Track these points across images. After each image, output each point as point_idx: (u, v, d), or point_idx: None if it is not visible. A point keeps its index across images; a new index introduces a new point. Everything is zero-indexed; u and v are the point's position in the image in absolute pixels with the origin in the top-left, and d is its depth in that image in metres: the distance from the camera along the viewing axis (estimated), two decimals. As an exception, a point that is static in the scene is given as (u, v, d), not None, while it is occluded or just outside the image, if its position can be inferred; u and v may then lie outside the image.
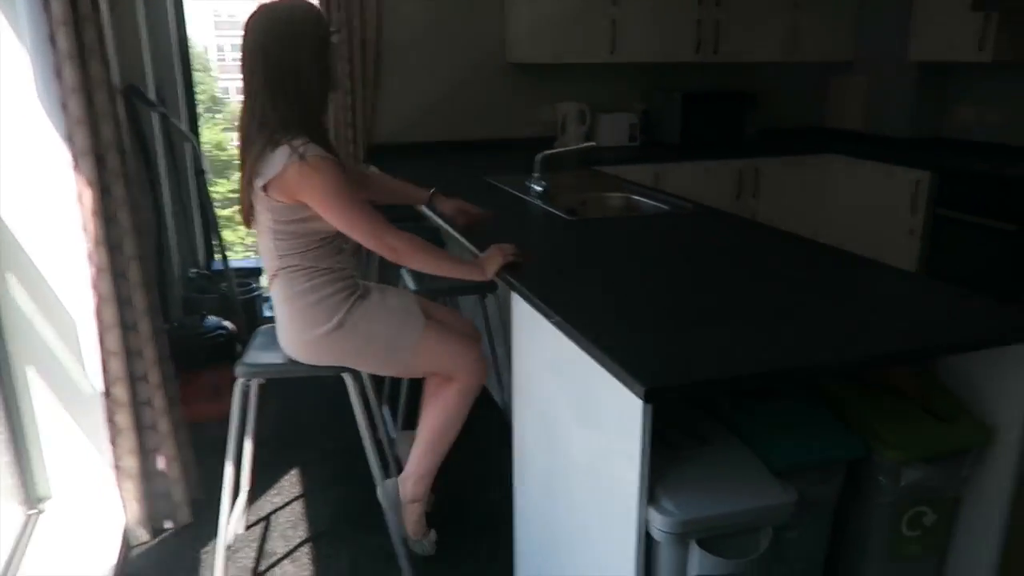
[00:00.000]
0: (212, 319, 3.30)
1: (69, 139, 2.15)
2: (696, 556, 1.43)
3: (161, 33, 3.76)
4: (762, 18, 4.45)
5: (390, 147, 4.18)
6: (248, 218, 1.98)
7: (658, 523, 1.41)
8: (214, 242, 3.99)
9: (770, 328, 1.59)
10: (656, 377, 1.34)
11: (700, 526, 1.42)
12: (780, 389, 1.82)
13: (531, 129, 4.48)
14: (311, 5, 1.95)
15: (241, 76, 1.91)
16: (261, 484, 2.70)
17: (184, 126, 3.91)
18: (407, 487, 2.25)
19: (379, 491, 2.19)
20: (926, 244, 3.94)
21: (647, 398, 1.31)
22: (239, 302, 3.60)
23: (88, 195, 2.16)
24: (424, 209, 2.53)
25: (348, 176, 1.91)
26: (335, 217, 1.88)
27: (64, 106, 2.13)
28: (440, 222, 2.56)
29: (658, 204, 2.90)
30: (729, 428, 1.68)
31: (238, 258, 4.99)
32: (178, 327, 3.22)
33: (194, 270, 3.93)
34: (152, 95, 3.60)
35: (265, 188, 1.86)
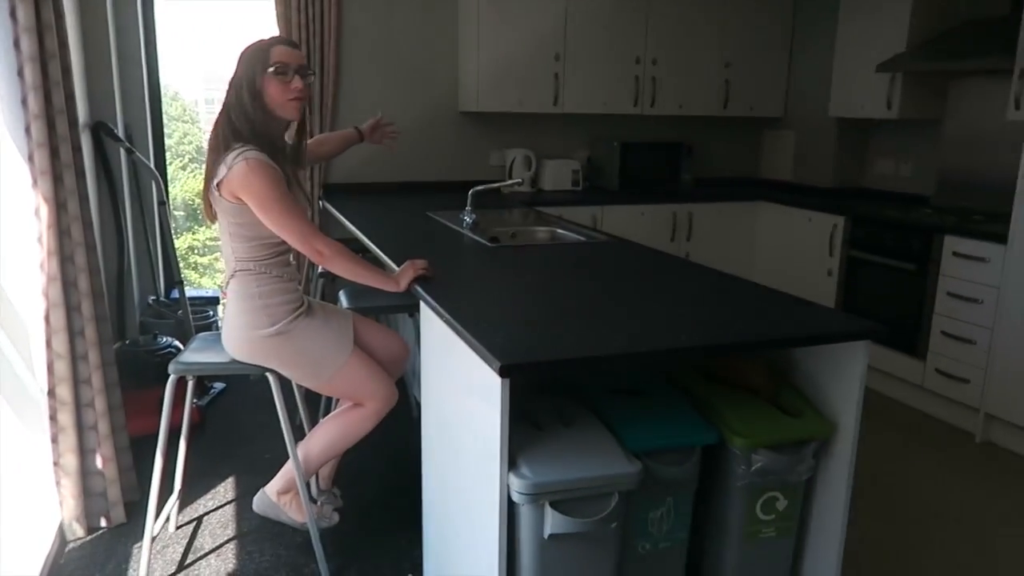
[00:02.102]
0: (164, 339, 3.49)
1: (30, 159, 2.38)
2: (550, 516, 1.64)
3: (134, 78, 4.04)
4: (696, 76, 4.81)
5: (344, 186, 4.45)
6: (210, 215, 2.24)
7: (516, 486, 1.62)
8: (174, 272, 4.19)
9: (628, 324, 1.83)
10: (510, 355, 1.56)
11: (553, 489, 1.63)
12: (650, 386, 2.05)
13: (480, 173, 4.77)
14: (268, 39, 2.22)
15: None
16: (197, 490, 2.88)
17: (151, 162, 4.16)
18: (275, 483, 2.46)
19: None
20: (841, 283, 4.22)
21: (502, 373, 1.54)
22: (192, 328, 3.79)
23: (45, 210, 2.39)
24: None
25: (283, 183, 2.13)
26: (268, 218, 2.11)
27: (28, 130, 2.37)
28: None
29: (578, 237, 3.16)
30: (596, 415, 1.90)
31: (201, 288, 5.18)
32: (130, 344, 3.42)
33: (153, 297, 4.13)
34: (121, 132, 3.87)
35: (219, 187, 2.11)
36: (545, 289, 2.23)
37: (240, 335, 2.25)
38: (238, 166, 2.08)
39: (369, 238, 2.97)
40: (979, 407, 3.46)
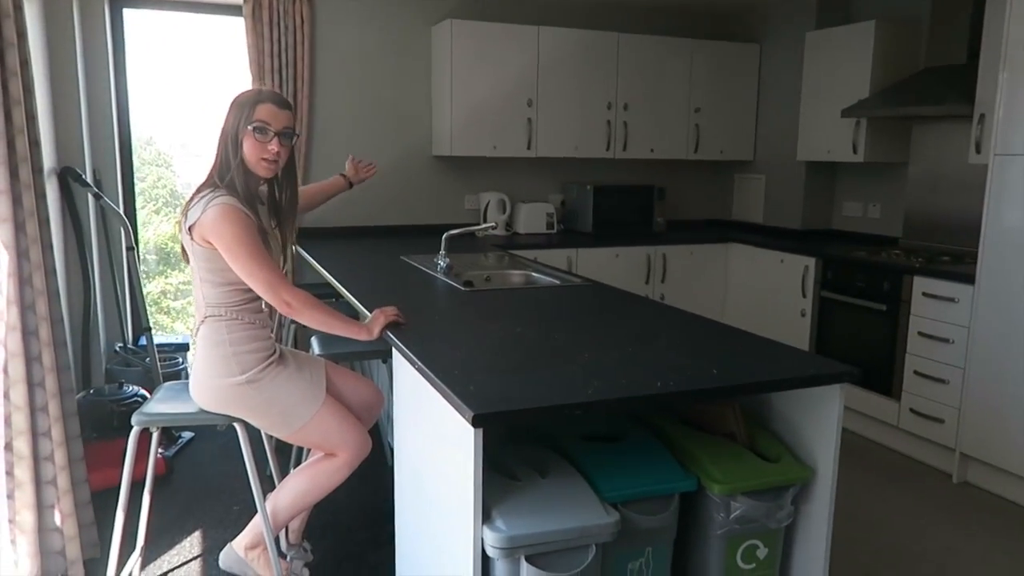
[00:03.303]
0: (131, 388, 3.40)
1: (-9, 207, 2.33)
2: (526, 571, 1.59)
3: (104, 123, 4.01)
4: (666, 121, 4.89)
5: (317, 231, 4.42)
6: (185, 257, 2.21)
7: (490, 540, 1.57)
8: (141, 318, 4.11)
9: (602, 369, 1.80)
10: (483, 404, 1.53)
11: (528, 543, 1.58)
12: (625, 431, 2.02)
13: (455, 217, 4.77)
14: (252, 90, 2.22)
15: None
16: (161, 545, 2.77)
17: (120, 207, 4.10)
18: (242, 538, 2.37)
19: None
20: (815, 323, 4.25)
21: (475, 423, 1.50)
22: (160, 375, 3.70)
23: (6, 258, 2.33)
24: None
25: (254, 231, 2.10)
26: (236, 264, 2.08)
27: (-11, 177, 2.32)
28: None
29: (553, 280, 3.15)
30: (572, 463, 1.87)
31: (173, 333, 5.08)
32: (95, 393, 3.32)
33: (120, 344, 4.04)
34: (89, 178, 3.82)
35: (191, 230, 2.08)
36: (519, 334, 2.20)
37: (208, 383, 2.19)
38: (211, 211, 2.06)
39: (342, 283, 2.94)
40: (955, 447, 3.46)
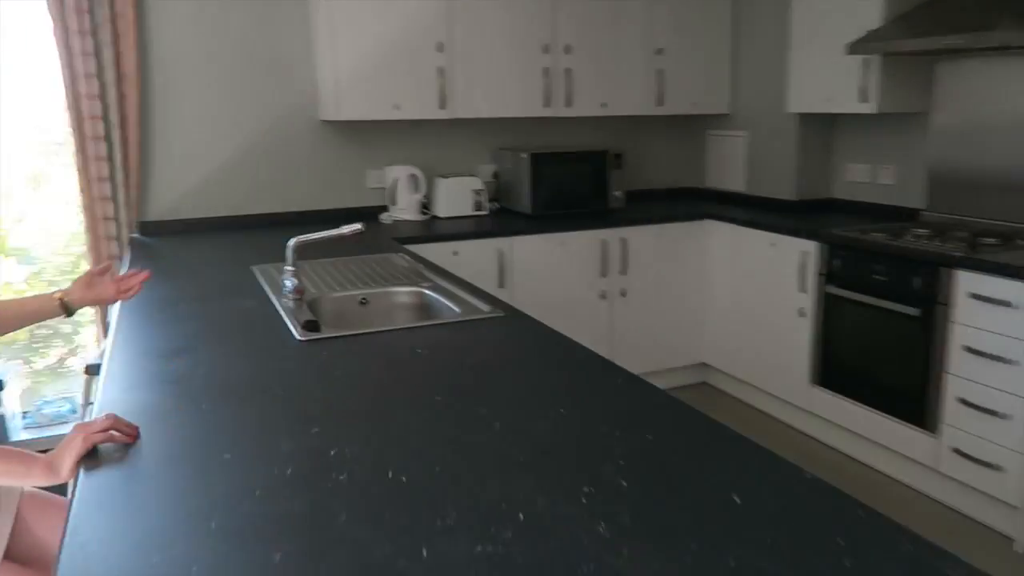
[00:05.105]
0: None
1: None
2: None
3: None
4: (622, 67, 3.84)
5: (165, 224, 3.36)
6: None
7: None
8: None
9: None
10: None
11: None
12: None
13: (355, 199, 3.73)
14: None
15: None
16: None
17: None
18: None
19: None
20: (818, 326, 3.29)
21: None
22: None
23: None
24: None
25: None
26: None
27: None
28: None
29: (455, 309, 2.14)
30: None
31: None
32: None
33: None
34: None
35: None
36: (364, 469, 1.18)
37: None
38: None
39: (118, 323, 1.92)
40: (1017, 503, 2.55)
